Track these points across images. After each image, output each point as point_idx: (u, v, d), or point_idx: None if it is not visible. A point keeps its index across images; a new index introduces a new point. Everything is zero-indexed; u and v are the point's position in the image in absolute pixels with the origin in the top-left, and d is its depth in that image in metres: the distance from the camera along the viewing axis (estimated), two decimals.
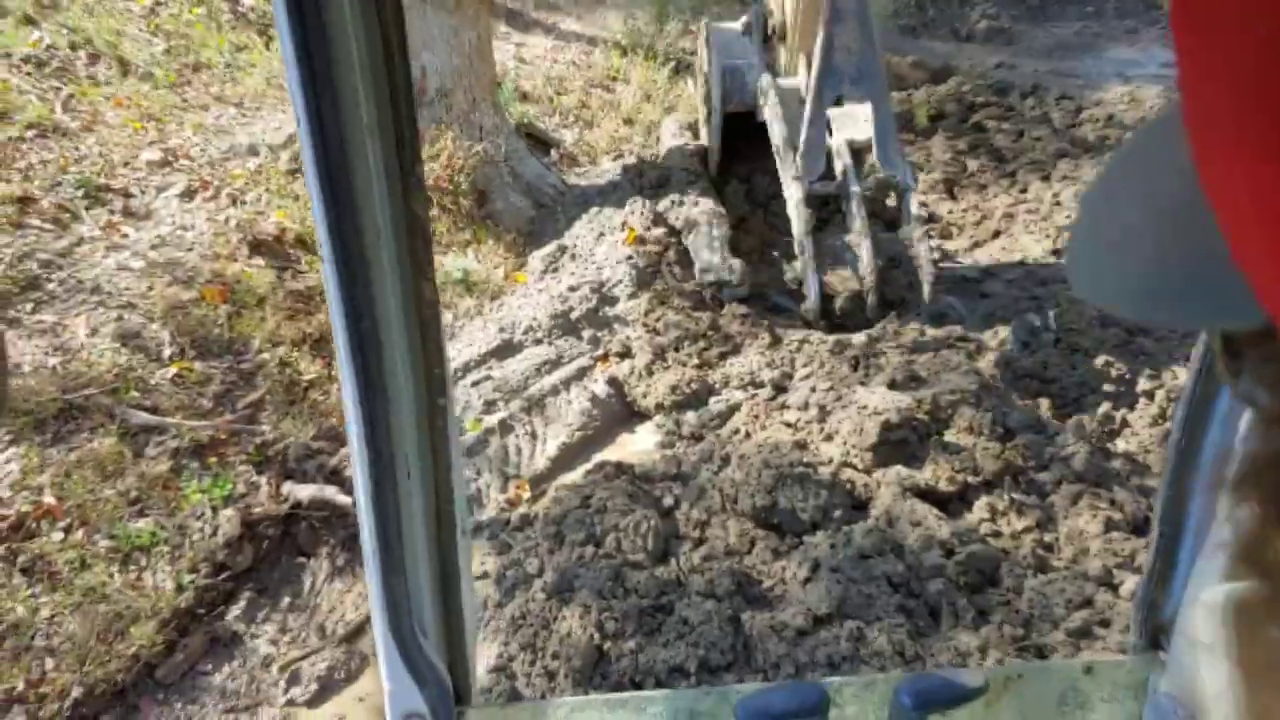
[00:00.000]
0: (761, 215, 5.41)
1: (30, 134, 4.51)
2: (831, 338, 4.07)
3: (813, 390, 3.62)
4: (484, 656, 2.75)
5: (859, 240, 4.23)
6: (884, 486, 3.14)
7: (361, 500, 0.90)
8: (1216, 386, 0.90)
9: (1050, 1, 9.62)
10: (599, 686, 2.53)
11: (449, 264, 4.77)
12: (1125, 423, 3.60)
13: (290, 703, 2.77)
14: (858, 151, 4.37)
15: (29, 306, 3.62)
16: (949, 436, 3.36)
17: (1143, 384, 3.77)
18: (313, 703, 2.77)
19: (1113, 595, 2.70)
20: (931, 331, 4.11)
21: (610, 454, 3.68)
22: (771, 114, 4.70)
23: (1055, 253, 4.96)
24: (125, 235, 4.15)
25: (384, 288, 0.82)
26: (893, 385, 3.57)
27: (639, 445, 3.78)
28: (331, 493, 3.28)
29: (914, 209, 4.35)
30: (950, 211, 5.71)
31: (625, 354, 4.14)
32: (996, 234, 5.35)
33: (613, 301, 4.38)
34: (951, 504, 3.16)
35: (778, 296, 4.71)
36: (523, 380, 3.99)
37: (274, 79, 5.73)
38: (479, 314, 4.54)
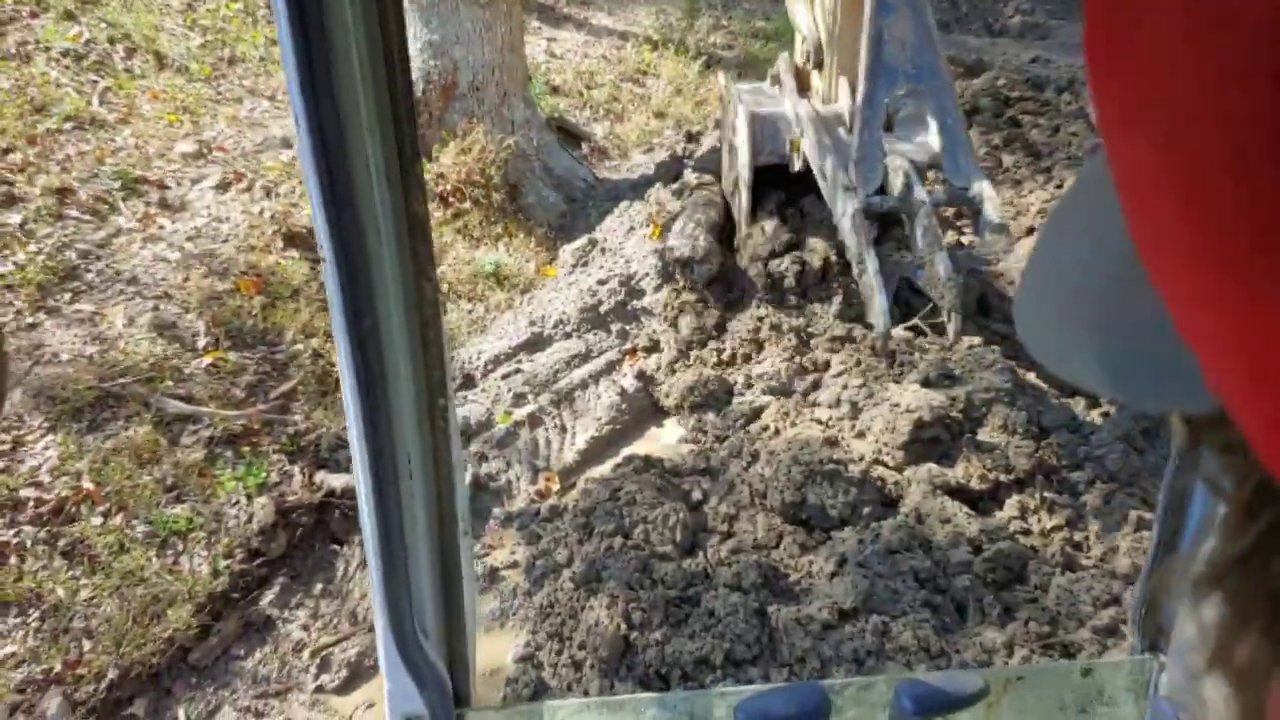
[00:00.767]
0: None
1: (68, 126, 4.58)
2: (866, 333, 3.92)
3: (844, 388, 3.60)
4: (511, 646, 2.76)
5: (930, 254, 3.61)
6: (914, 484, 3.12)
7: (363, 500, 0.89)
8: None
9: None
10: (624, 679, 2.54)
11: (480, 257, 4.79)
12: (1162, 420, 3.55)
13: (320, 689, 2.79)
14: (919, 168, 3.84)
15: (67, 296, 3.68)
16: (982, 435, 3.32)
17: None
18: (342, 689, 2.80)
19: None
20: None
21: (639, 448, 3.68)
22: (810, 140, 4.16)
23: None
24: (161, 227, 4.21)
25: (385, 287, 0.82)
26: (926, 383, 3.54)
27: (667, 439, 3.78)
28: None
29: (995, 217, 3.61)
30: None
31: (652, 348, 4.14)
32: (1031, 230, 5.29)
33: (640, 294, 4.38)
34: (982, 502, 3.14)
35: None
36: (552, 373, 4.00)
37: None
38: (509, 307, 4.56)
